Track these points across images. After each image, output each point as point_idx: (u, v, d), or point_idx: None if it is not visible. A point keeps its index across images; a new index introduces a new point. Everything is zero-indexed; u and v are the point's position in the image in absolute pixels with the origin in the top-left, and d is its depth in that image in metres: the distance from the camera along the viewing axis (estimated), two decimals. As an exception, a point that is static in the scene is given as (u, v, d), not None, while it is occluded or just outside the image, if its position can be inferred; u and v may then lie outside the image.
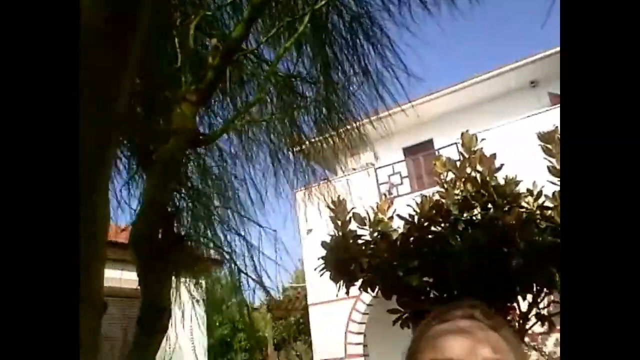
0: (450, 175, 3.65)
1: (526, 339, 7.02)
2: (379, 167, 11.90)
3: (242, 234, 2.90)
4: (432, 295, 3.52)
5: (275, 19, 2.39)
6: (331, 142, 3.25)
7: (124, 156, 2.76)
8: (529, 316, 3.53)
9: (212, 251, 3.31)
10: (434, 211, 3.45)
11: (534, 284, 3.32)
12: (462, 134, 3.71)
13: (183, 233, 2.47)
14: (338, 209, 3.99)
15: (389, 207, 3.92)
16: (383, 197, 3.98)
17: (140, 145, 2.12)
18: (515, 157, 5.95)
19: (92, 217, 1.00)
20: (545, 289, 3.37)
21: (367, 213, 3.87)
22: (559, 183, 3.26)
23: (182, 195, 2.80)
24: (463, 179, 3.51)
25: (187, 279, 3.26)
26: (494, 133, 9.33)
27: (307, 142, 3.29)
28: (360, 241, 3.77)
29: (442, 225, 3.43)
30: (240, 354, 14.94)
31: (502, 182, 3.41)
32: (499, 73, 11.85)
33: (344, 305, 10.56)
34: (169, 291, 2.01)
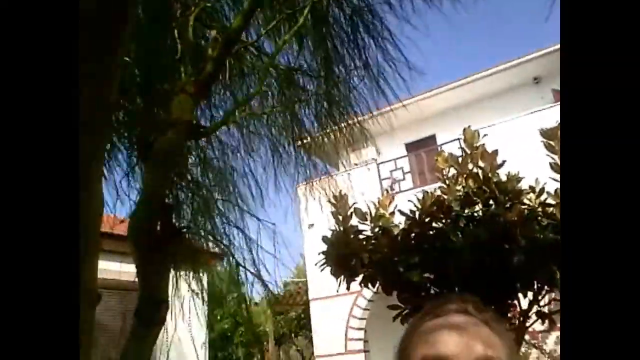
0: (452, 171, 3.64)
1: (526, 337, 7.03)
2: (381, 163, 11.89)
3: (241, 227, 2.89)
4: (432, 291, 3.51)
5: (275, 11, 2.37)
6: (332, 136, 3.23)
7: (124, 148, 2.76)
8: (530, 314, 3.52)
9: (212, 244, 3.31)
10: (435, 207, 3.44)
11: (535, 282, 3.31)
12: (464, 129, 3.69)
13: (182, 225, 2.47)
14: (339, 203, 3.97)
15: (390, 203, 3.91)
16: (385, 192, 3.96)
17: (140, 137, 2.11)
18: (518, 153, 5.92)
19: (84, 208, 0.99)
20: (546, 287, 3.36)
21: (369, 208, 3.86)
22: (561, 180, 3.24)
23: (182, 187, 2.80)
24: (465, 175, 3.50)
25: (187, 272, 3.26)
26: (496, 129, 9.30)
27: (308, 137, 3.28)
28: (361, 236, 3.76)
29: (444, 221, 3.42)
30: (241, 349, 14.99)
31: (504, 178, 3.39)
32: (502, 69, 11.81)
33: (345, 300, 10.58)
34: (167, 284, 2.00)
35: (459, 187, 3.48)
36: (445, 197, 3.47)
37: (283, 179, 3.37)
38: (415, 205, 3.56)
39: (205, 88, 1.69)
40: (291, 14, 2.09)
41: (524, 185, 3.40)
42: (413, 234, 3.50)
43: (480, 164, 3.48)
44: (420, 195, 3.60)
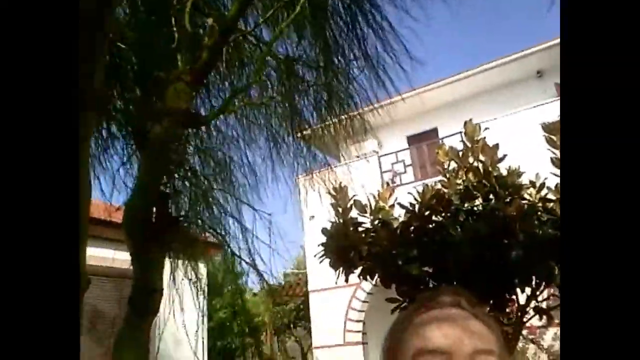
0: (453, 165, 3.62)
1: (524, 332, 7.04)
2: (383, 155, 11.88)
3: (238, 217, 2.89)
4: (431, 284, 3.50)
5: (274, 0, 2.34)
6: (332, 128, 3.21)
7: (121, 137, 2.75)
8: (527, 309, 3.52)
9: (210, 234, 3.31)
10: (435, 200, 3.42)
11: (534, 277, 3.30)
12: (465, 123, 3.67)
13: (178, 215, 2.46)
14: (339, 195, 3.96)
15: (390, 195, 3.89)
16: (385, 185, 3.96)
17: (136, 125, 2.10)
18: (520, 147, 5.90)
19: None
20: (544, 282, 3.35)
21: (368, 201, 3.85)
22: (562, 175, 3.22)
23: (180, 177, 2.79)
24: (465, 169, 3.48)
25: (185, 262, 3.26)
26: (499, 123, 9.27)
27: (308, 128, 3.26)
28: (360, 229, 3.75)
29: (443, 214, 3.41)
30: (239, 338, 15.06)
31: (505, 172, 3.37)
32: (506, 62, 11.75)
33: (344, 292, 10.61)
34: (161, 273, 2.00)
35: (459, 181, 3.47)
36: (446, 190, 3.46)
37: (282, 169, 3.36)
38: (415, 199, 3.55)
39: (202, 76, 1.67)
40: (289, 3, 2.07)
41: (524, 179, 3.39)
42: (412, 227, 3.49)
43: (481, 157, 3.47)
44: (421, 189, 3.59)
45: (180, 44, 1.79)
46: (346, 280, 3.86)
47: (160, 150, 1.64)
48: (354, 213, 3.88)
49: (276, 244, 3.06)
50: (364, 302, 10.74)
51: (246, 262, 2.64)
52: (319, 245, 3.91)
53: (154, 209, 1.84)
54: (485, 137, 3.56)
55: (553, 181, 3.24)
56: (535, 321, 3.72)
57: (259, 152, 3.26)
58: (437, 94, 12.34)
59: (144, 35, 2.07)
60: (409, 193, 3.69)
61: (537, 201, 3.24)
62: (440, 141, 10.60)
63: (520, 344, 7.35)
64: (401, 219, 3.60)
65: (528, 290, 3.46)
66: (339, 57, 2.67)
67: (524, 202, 3.21)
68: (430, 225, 3.45)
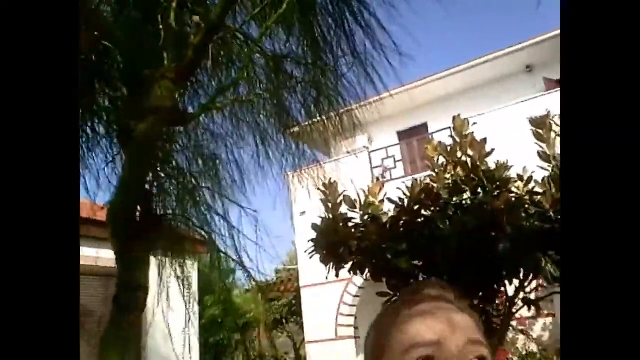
0: (442, 160, 3.64)
1: (514, 323, 7.11)
2: (373, 151, 11.89)
3: (225, 214, 2.89)
4: (421, 278, 3.53)
5: (261, -3, 2.34)
6: (322, 125, 3.22)
7: (107, 135, 2.74)
8: (516, 300, 3.56)
9: (202, 232, 3.30)
10: (424, 195, 3.45)
11: (521, 269, 3.34)
12: (454, 118, 3.69)
13: (163, 213, 2.45)
14: (329, 191, 3.97)
15: (380, 191, 3.91)
16: (375, 180, 3.97)
17: (120, 123, 2.09)
18: (508, 142, 5.94)
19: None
20: (532, 274, 3.39)
21: (358, 196, 3.86)
22: (549, 168, 3.25)
23: (167, 175, 2.78)
24: (454, 163, 3.50)
25: (173, 259, 3.26)
26: (488, 118, 9.32)
27: (297, 125, 3.26)
28: (350, 224, 3.76)
29: (432, 209, 3.43)
30: (231, 334, 15.06)
31: (493, 166, 3.40)
32: (495, 57, 11.80)
33: (336, 287, 10.64)
34: (146, 271, 2.00)
35: (447, 175, 3.49)
36: (434, 185, 3.48)
37: (272, 166, 3.36)
38: (404, 193, 3.57)
39: (187, 74, 1.67)
40: (277, 0, 2.07)
41: (512, 173, 3.42)
42: (402, 222, 3.51)
43: (469, 152, 3.49)
44: (410, 184, 3.61)
45: (167, 42, 1.78)
46: (337, 276, 3.88)
47: (143, 149, 1.64)
48: (344, 209, 3.90)
49: (262, 241, 3.05)
50: (355, 296, 10.78)
51: (232, 260, 2.64)
52: (309, 241, 3.92)
53: (138, 208, 1.84)
54: (473, 132, 3.58)
55: (540, 174, 3.27)
56: (525, 312, 3.76)
57: (248, 149, 3.26)
58: (428, 89, 12.37)
59: (131, 34, 2.06)
60: (397, 188, 3.71)
61: (524, 194, 3.27)
62: (430, 136, 10.63)
63: (510, 335, 7.42)
64: (391, 214, 3.62)
65: (516, 282, 3.50)
66: (328, 54, 2.67)
67: (511, 195, 3.24)
68: (419, 220, 3.47)
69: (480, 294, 3.45)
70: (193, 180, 2.99)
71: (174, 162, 2.85)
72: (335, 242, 3.70)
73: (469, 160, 3.46)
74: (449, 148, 3.62)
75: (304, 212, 9.77)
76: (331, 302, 10.92)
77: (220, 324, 14.76)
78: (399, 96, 10.97)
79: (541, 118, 3.42)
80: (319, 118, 3.16)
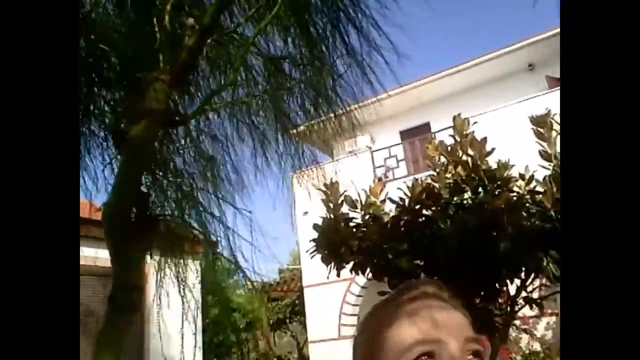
0: (443, 159, 3.64)
1: (517, 322, 7.09)
2: (375, 150, 11.88)
3: (222, 215, 2.90)
4: (422, 277, 3.53)
5: (256, -1, 2.33)
6: (322, 125, 3.22)
7: (104, 136, 2.75)
8: (518, 299, 3.55)
9: (198, 232, 3.31)
10: (424, 195, 3.45)
11: (522, 268, 3.33)
12: (454, 117, 3.69)
13: (158, 213, 2.46)
14: (330, 191, 3.98)
15: (381, 190, 3.91)
16: (377, 180, 3.97)
17: (115, 125, 2.10)
18: (510, 141, 5.93)
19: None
20: (533, 273, 3.38)
21: (359, 196, 3.87)
22: (550, 167, 3.25)
23: (164, 176, 2.79)
24: (454, 163, 3.50)
25: (171, 259, 3.27)
26: (489, 117, 9.31)
27: (297, 126, 3.26)
28: (351, 224, 3.77)
29: (433, 208, 3.43)
30: (234, 334, 15.06)
31: (494, 166, 3.39)
32: (497, 56, 11.76)
33: (339, 287, 10.64)
34: (141, 271, 2.01)
35: (448, 175, 3.49)
36: (435, 184, 3.48)
37: (272, 167, 3.36)
38: (405, 193, 3.57)
39: (182, 76, 1.67)
40: (272, 1, 2.07)
41: (514, 172, 3.41)
42: (403, 222, 3.51)
43: (470, 151, 3.49)
44: (412, 184, 3.61)
45: (162, 44, 1.79)
46: (338, 275, 3.88)
47: (138, 151, 1.65)
48: (345, 209, 3.90)
49: (257, 241, 3.06)
50: (358, 296, 10.78)
51: (229, 260, 2.65)
52: (310, 241, 3.93)
53: (134, 209, 1.85)
54: (473, 132, 3.58)
55: (542, 174, 3.26)
56: (528, 311, 3.75)
57: (248, 150, 3.26)
58: (430, 88, 12.35)
59: (127, 36, 2.07)
60: (398, 188, 3.71)
61: (525, 193, 3.26)
62: (433, 136, 10.61)
63: (513, 334, 7.41)
64: (392, 214, 3.62)
65: (518, 281, 3.49)
66: (324, 53, 2.67)
67: (512, 194, 3.23)
68: (420, 219, 3.47)
69: (482, 293, 3.44)
70: (191, 181, 3.00)
71: (171, 164, 2.86)
72: (337, 242, 3.71)
73: (469, 159, 3.45)
74: (449, 147, 3.62)
75: (306, 212, 9.77)
76: (334, 302, 10.92)
77: (223, 323, 14.77)
78: (401, 96, 10.95)
79: (542, 117, 3.42)
80: (317, 119, 3.16)
